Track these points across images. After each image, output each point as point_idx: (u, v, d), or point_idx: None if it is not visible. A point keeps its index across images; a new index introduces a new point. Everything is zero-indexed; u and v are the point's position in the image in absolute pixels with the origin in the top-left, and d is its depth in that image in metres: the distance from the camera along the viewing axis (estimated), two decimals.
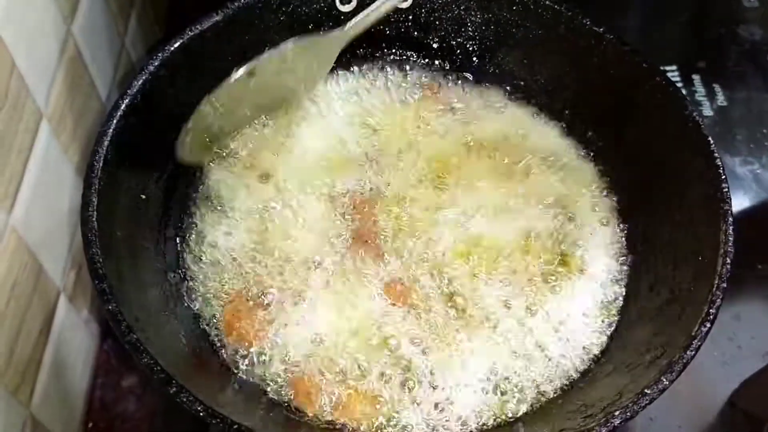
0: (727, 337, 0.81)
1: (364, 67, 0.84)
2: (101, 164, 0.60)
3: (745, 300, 0.84)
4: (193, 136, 0.71)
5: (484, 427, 0.62)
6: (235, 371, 0.66)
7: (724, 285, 0.57)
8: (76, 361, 0.75)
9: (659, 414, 0.75)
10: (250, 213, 0.75)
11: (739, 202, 0.92)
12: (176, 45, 0.69)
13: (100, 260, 0.56)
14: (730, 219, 0.60)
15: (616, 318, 0.68)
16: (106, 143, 0.61)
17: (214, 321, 0.69)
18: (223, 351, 0.67)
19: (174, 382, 0.51)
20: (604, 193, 0.77)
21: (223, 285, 0.70)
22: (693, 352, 0.54)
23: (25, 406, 0.64)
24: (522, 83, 0.83)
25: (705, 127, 0.66)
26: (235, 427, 0.50)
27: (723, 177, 0.63)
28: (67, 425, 0.73)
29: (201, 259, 0.72)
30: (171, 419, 0.76)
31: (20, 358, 0.63)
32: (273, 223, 0.74)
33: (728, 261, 0.58)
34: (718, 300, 0.57)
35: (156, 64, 0.68)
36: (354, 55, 0.83)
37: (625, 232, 0.74)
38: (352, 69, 0.84)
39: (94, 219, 0.58)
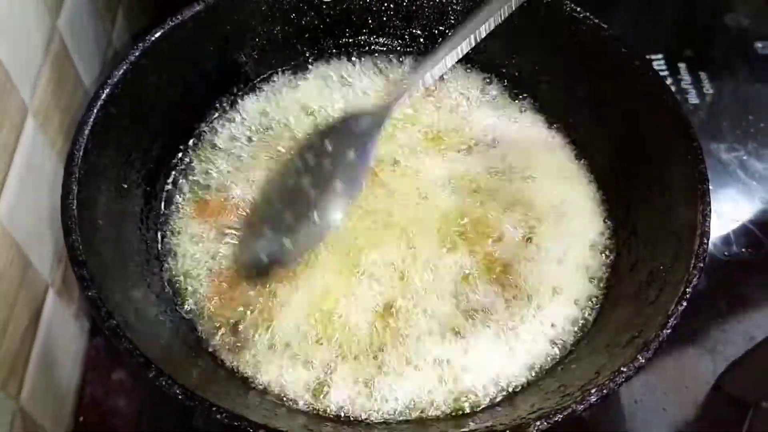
0: (714, 321, 0.81)
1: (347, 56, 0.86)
2: (81, 153, 0.61)
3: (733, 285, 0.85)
4: None
5: (459, 412, 0.62)
6: (221, 358, 0.66)
7: (701, 264, 0.57)
8: (65, 355, 0.76)
9: (645, 397, 0.76)
10: None
11: (725, 188, 0.93)
12: (157, 35, 0.70)
13: (80, 247, 0.56)
14: (708, 199, 0.61)
15: (596, 301, 0.69)
16: (86, 132, 0.62)
17: (197, 309, 0.69)
18: (207, 338, 0.68)
19: (153, 366, 0.51)
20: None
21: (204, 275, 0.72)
22: (669, 331, 0.54)
23: (14, 399, 0.64)
24: (504, 71, 0.83)
25: (684, 109, 0.66)
26: (214, 408, 0.50)
27: (701, 158, 0.63)
28: (57, 419, 0.73)
29: (182, 250, 0.73)
30: (161, 413, 0.77)
31: (8, 352, 0.63)
32: None
33: (705, 241, 0.58)
34: (695, 279, 0.57)
35: (137, 54, 0.68)
36: (336, 45, 0.85)
37: (606, 215, 0.75)
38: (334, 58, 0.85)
39: (74, 207, 0.58)
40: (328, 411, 0.63)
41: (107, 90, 0.65)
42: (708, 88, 1.02)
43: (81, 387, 0.78)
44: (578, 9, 0.73)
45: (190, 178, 0.77)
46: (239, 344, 0.67)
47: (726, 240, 0.87)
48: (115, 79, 0.66)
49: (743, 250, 0.86)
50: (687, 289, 0.56)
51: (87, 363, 0.79)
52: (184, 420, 0.74)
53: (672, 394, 0.77)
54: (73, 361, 0.78)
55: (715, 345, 0.80)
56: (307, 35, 0.83)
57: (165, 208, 0.75)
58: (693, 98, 1.01)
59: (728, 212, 0.90)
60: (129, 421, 0.76)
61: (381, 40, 0.86)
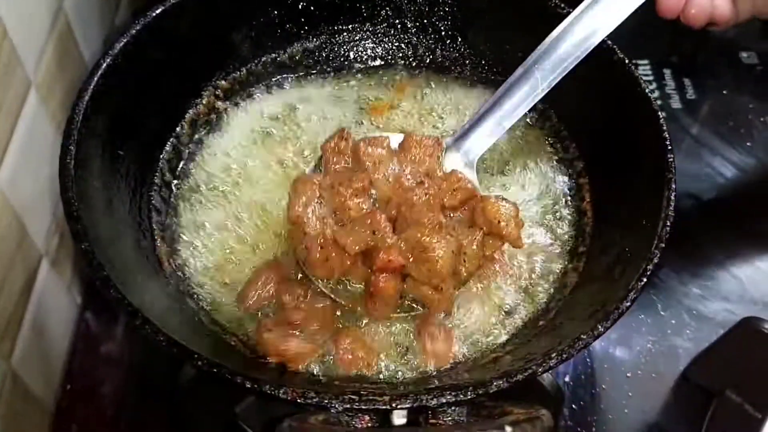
0: (682, 313, 0.84)
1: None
2: (80, 118, 0.63)
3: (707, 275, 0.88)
4: None
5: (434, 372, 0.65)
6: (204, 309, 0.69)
7: (663, 245, 0.60)
8: (56, 325, 0.78)
9: (611, 386, 0.78)
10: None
11: (704, 190, 0.96)
12: (158, 11, 0.72)
13: (75, 203, 0.59)
14: (673, 186, 0.63)
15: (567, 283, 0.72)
16: (86, 98, 0.64)
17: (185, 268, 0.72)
18: (195, 296, 0.70)
19: (140, 314, 0.53)
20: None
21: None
22: (629, 303, 0.57)
23: (6, 360, 0.67)
24: (491, 62, 0.86)
25: (655, 102, 0.69)
26: (195, 356, 0.52)
27: (669, 148, 0.66)
28: (46, 384, 0.75)
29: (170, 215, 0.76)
30: (147, 385, 0.79)
31: (2, 313, 0.65)
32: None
33: (668, 224, 0.61)
34: (655, 258, 0.59)
35: (138, 28, 0.70)
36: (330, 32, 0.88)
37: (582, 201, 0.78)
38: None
39: (71, 167, 0.60)
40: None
41: (108, 60, 0.67)
42: (691, 94, 1.05)
43: (70, 358, 0.80)
44: (562, 5, 0.76)
45: (184, 149, 0.80)
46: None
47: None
48: (116, 51, 0.68)
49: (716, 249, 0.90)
50: (648, 267, 0.58)
51: (77, 335, 0.81)
52: (169, 394, 0.76)
53: (639, 382, 0.79)
54: (64, 331, 0.80)
55: (683, 335, 0.82)
56: (303, 19, 0.85)
57: (157, 174, 0.77)
58: (676, 103, 1.03)
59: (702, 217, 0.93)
60: (115, 391, 0.78)
61: (373, 28, 0.88)
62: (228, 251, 0.73)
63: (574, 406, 0.77)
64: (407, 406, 0.52)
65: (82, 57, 0.82)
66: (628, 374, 0.79)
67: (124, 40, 0.69)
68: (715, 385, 0.76)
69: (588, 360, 0.80)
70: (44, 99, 0.72)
